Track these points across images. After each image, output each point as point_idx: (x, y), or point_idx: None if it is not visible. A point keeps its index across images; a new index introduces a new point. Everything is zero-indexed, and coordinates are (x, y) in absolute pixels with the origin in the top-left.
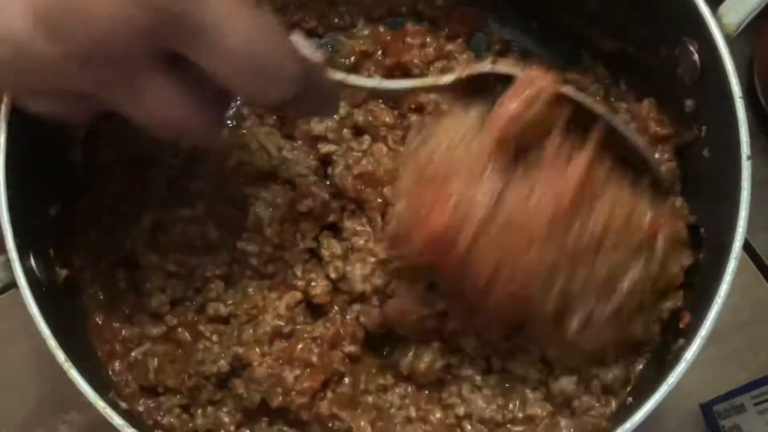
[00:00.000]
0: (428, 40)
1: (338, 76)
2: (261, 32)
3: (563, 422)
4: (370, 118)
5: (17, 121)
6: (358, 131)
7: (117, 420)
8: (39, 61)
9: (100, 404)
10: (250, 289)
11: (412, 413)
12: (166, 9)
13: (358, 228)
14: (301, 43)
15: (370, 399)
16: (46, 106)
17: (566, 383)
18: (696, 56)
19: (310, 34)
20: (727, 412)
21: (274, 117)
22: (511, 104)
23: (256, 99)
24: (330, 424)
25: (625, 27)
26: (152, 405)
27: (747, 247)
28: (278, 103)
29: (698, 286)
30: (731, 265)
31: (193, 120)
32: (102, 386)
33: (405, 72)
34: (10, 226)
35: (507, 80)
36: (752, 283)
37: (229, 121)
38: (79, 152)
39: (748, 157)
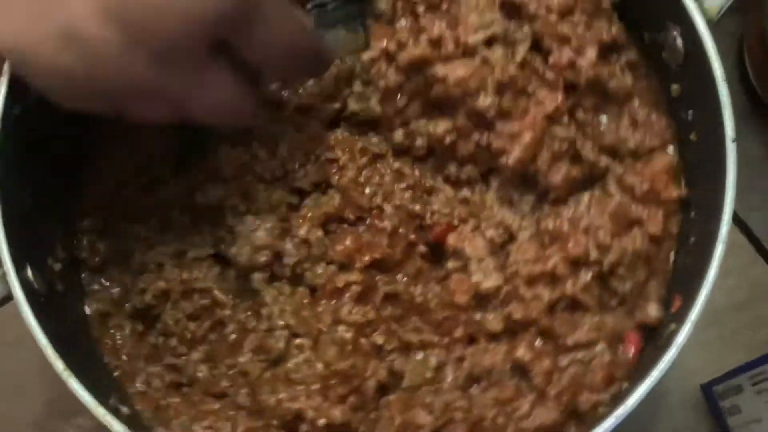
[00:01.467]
0: None
1: None
2: (298, 25)
3: None
4: None
5: (10, 127)
6: None
7: (117, 427)
8: (106, 58)
9: (100, 411)
10: None
11: None
12: (235, 7)
13: None
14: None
15: None
16: (101, 107)
17: None
18: (679, 41)
19: None
20: (726, 392)
21: None
22: None
23: (291, 80)
24: None
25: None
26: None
27: (743, 227)
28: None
29: (689, 270)
30: (719, 249)
31: (247, 105)
32: (104, 391)
33: None
34: (5, 238)
35: None
36: (749, 264)
37: None
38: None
39: (733, 140)
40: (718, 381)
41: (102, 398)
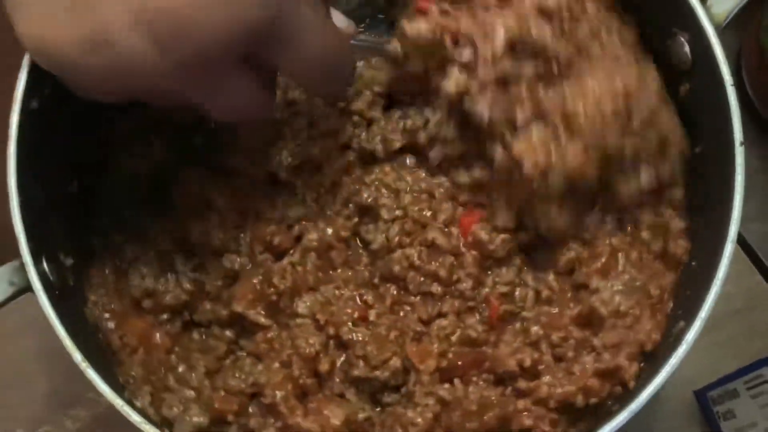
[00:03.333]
0: None
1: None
2: (333, 40)
3: None
4: None
5: (27, 121)
6: None
7: (135, 417)
8: (132, 64)
9: (118, 402)
10: None
11: None
12: (265, 22)
13: None
14: (336, 17)
15: None
16: (119, 99)
17: None
18: (687, 47)
19: None
20: (721, 397)
21: None
22: None
23: (319, 92)
24: None
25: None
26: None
27: (739, 237)
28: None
29: (697, 271)
30: (728, 249)
31: (261, 106)
32: (118, 385)
33: None
34: (23, 230)
35: None
36: (745, 273)
37: None
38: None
39: (741, 143)
40: (713, 386)
41: (118, 390)
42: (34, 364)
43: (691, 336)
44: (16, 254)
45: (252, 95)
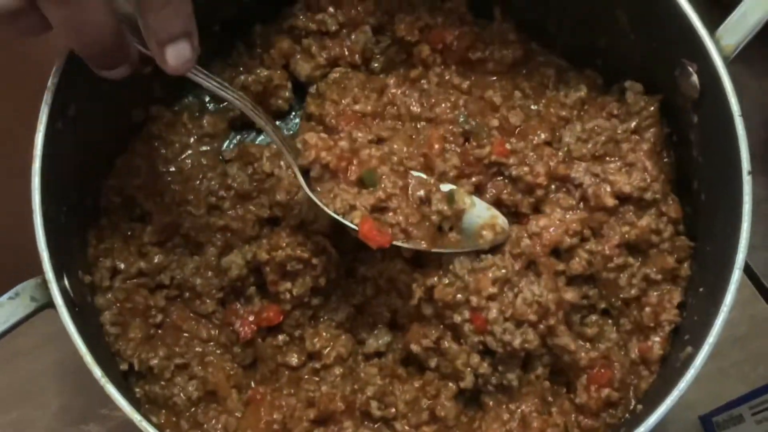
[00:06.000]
0: None
1: None
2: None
3: None
4: None
5: (50, 140)
6: None
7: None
8: None
9: (137, 417)
10: None
11: None
12: None
13: None
14: None
15: None
16: None
17: None
18: (695, 77)
19: None
20: (726, 423)
21: None
22: None
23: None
24: None
25: (625, 52)
26: None
27: (744, 266)
28: None
29: (704, 297)
30: (736, 275)
31: (117, 39)
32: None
33: None
34: (46, 247)
35: None
36: (749, 300)
37: None
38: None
39: (749, 172)
40: (718, 411)
41: (135, 405)
42: (47, 381)
43: (699, 360)
44: (34, 274)
45: (105, 17)
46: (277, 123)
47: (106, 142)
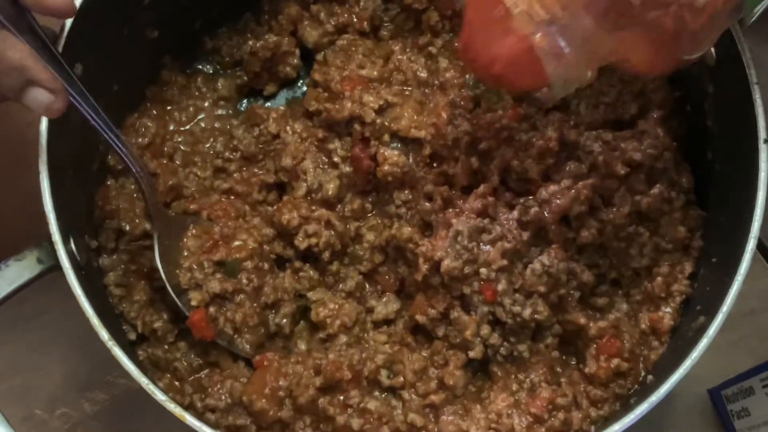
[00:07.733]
0: None
1: None
2: None
3: None
4: None
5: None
6: None
7: (160, 396)
8: None
9: (144, 380)
10: None
11: None
12: None
13: None
14: None
15: None
16: None
17: None
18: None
19: None
20: (736, 395)
21: None
22: None
23: None
24: None
25: None
26: None
27: None
28: None
29: (717, 266)
30: (751, 244)
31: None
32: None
33: None
34: (53, 209)
35: None
36: (759, 274)
37: None
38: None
39: (765, 140)
40: (728, 383)
41: (142, 369)
42: (52, 348)
43: (713, 329)
44: (39, 240)
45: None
46: (285, 90)
47: (115, 105)
